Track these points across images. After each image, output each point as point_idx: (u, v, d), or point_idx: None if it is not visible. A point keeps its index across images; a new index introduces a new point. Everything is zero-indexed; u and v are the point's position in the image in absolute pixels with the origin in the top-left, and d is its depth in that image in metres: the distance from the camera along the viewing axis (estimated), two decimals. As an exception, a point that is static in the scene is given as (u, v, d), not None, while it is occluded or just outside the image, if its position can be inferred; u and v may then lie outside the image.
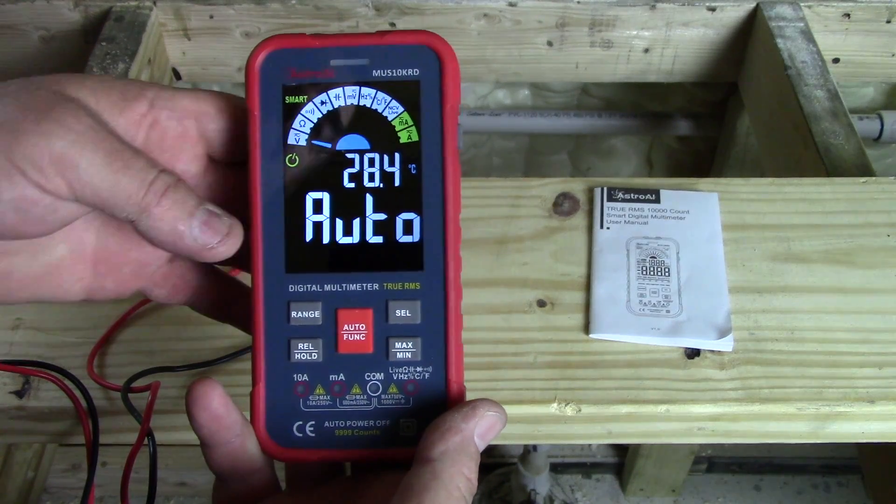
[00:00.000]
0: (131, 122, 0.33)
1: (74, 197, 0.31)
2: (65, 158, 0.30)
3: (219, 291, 0.37)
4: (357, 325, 0.34)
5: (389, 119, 0.34)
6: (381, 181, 0.34)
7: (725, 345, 0.49)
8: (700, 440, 0.50)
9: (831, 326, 0.50)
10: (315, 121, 0.34)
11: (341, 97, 0.34)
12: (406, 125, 0.34)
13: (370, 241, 0.34)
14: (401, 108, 0.34)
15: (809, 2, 0.82)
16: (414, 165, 0.34)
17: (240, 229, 0.34)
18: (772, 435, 0.49)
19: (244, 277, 0.36)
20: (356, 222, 0.34)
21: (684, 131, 1.04)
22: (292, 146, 0.34)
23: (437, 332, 0.34)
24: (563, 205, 0.57)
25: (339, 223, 0.34)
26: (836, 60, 0.86)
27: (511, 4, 0.83)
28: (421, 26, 0.84)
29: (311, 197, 0.34)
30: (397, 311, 0.34)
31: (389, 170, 0.34)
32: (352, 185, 0.34)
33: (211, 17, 0.83)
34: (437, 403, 0.34)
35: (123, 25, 0.80)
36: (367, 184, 0.34)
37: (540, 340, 0.50)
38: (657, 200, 0.56)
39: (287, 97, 0.34)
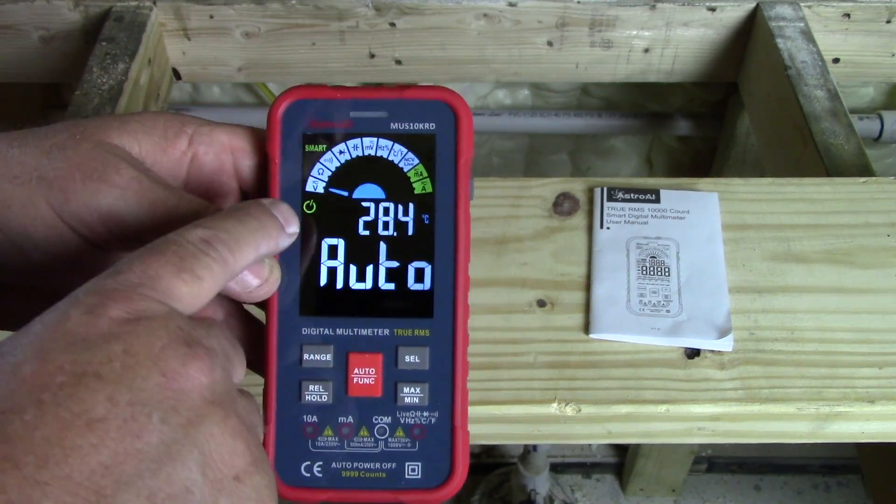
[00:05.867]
0: (174, 160, 0.34)
1: (123, 249, 0.32)
2: (112, 215, 0.31)
3: (242, 334, 0.37)
4: (367, 370, 0.35)
5: (405, 170, 0.35)
6: (394, 230, 0.35)
7: (725, 345, 0.49)
8: (700, 440, 0.50)
9: (831, 326, 0.50)
10: (333, 169, 0.35)
11: (359, 147, 0.35)
12: (421, 177, 0.35)
13: (382, 288, 0.35)
14: (416, 161, 0.35)
15: (809, 2, 0.82)
16: (427, 216, 0.35)
17: (278, 272, 0.34)
18: (772, 435, 0.49)
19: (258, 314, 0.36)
20: (369, 269, 0.35)
21: (684, 131, 1.04)
22: (310, 193, 0.35)
23: (445, 378, 0.35)
24: (563, 205, 0.57)
25: (353, 269, 0.35)
26: (836, 60, 0.86)
27: (511, 4, 0.83)
28: (421, 26, 0.84)
29: (326, 242, 0.35)
30: (406, 357, 0.35)
31: (403, 219, 0.35)
32: (366, 232, 0.35)
33: (211, 17, 0.83)
34: (443, 448, 0.34)
35: (123, 25, 0.80)
36: (381, 232, 0.35)
37: (540, 340, 0.50)
38: (657, 200, 0.56)
39: (307, 146, 0.35)
